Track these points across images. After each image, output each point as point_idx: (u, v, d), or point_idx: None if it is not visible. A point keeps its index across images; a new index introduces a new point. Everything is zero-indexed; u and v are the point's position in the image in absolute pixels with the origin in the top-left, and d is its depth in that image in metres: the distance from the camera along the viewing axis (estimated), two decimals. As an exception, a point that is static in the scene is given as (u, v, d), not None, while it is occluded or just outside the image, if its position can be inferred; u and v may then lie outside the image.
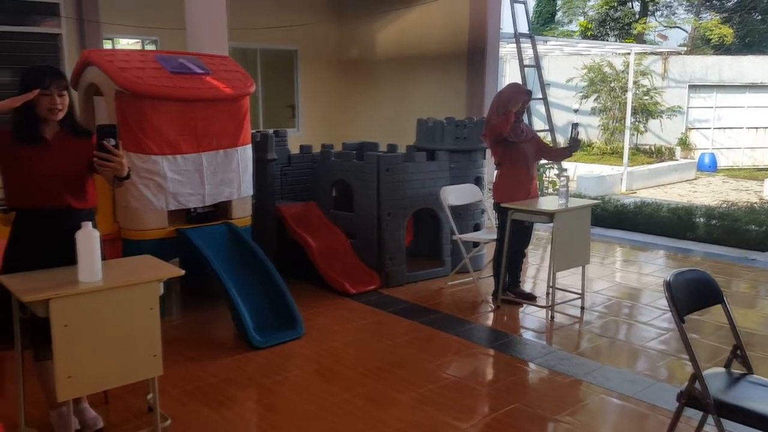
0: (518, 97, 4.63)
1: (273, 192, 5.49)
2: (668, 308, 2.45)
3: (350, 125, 9.36)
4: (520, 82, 7.31)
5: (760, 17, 21.59)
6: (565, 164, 9.53)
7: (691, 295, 2.52)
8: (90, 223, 2.64)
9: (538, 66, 9.58)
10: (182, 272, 2.88)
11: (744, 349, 2.60)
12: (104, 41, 7.72)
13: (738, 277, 5.81)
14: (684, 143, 16.23)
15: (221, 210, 4.76)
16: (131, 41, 8.50)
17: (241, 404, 3.40)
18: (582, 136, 4.50)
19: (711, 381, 2.44)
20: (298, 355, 3.99)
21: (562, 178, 4.81)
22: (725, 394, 2.41)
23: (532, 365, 3.90)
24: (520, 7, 9.16)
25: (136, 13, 7.60)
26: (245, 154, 4.78)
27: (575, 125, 4.67)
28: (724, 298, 2.63)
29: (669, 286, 2.42)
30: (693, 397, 2.39)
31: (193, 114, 4.45)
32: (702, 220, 7.20)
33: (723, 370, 2.64)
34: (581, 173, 13.48)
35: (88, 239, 2.61)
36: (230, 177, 4.68)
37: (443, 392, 3.50)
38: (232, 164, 4.67)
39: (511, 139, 4.68)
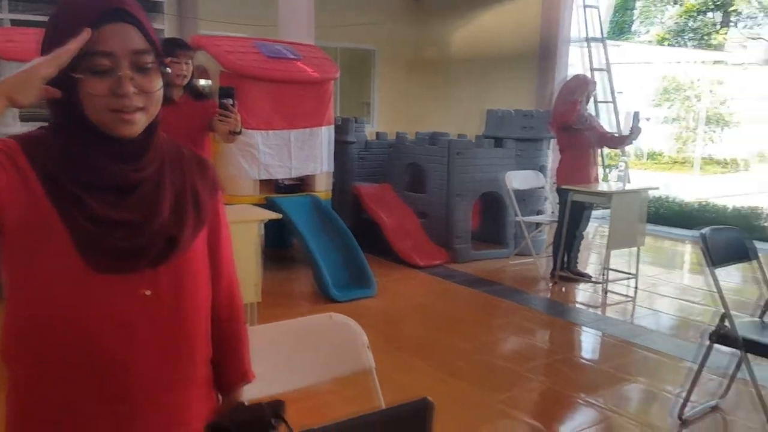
0: (584, 86, 4.97)
1: (351, 172, 6.02)
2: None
3: (422, 121, 9.82)
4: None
5: None
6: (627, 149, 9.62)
7: (725, 248, 2.83)
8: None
9: (608, 69, 9.78)
10: (279, 216, 3.39)
11: (776, 300, 2.88)
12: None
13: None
14: (761, 156, 15.87)
15: (306, 184, 5.32)
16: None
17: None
18: (641, 125, 4.74)
19: (743, 327, 2.74)
20: (371, 308, 4.46)
21: (620, 164, 5.10)
22: (754, 335, 2.71)
23: (585, 328, 4.24)
24: (593, 12, 9.41)
25: (231, 11, 8.32)
26: (328, 133, 5.33)
27: (636, 113, 4.97)
28: (758, 255, 2.92)
29: (704, 238, 2.75)
30: (723, 335, 2.70)
31: (284, 94, 5.02)
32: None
33: (757, 319, 2.93)
34: (650, 181, 13.42)
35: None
36: (314, 153, 5.23)
37: (501, 343, 3.90)
38: (316, 141, 5.22)
39: (576, 126, 5.01)
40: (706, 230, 2.77)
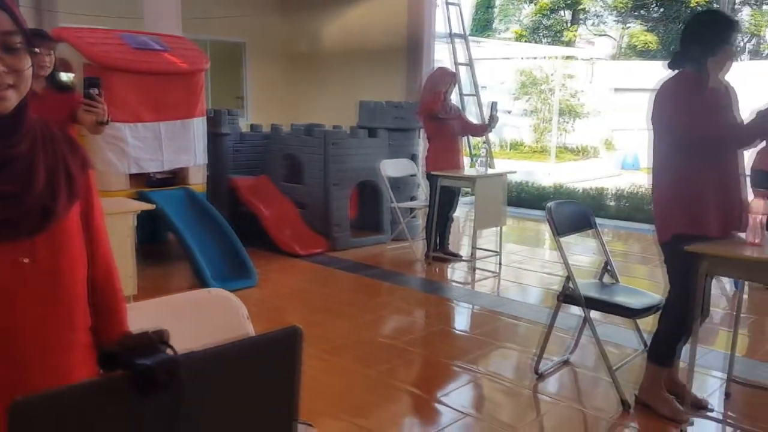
0: (446, 78, 5.31)
1: (227, 164, 5.99)
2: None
3: (298, 114, 9.87)
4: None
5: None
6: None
7: (569, 220, 3.20)
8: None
9: (471, 64, 10.35)
10: (152, 206, 3.37)
11: (612, 264, 3.30)
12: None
13: (637, 241, 6.66)
14: (608, 143, 17.45)
15: (179, 177, 5.24)
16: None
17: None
18: (499, 115, 5.14)
19: (585, 287, 3.12)
20: (252, 297, 4.51)
21: (482, 150, 5.50)
22: (594, 293, 3.09)
23: (457, 302, 4.56)
24: (456, 10, 9.92)
25: (93, 3, 7.91)
26: (201, 125, 5.28)
27: (494, 104, 5.38)
28: (596, 224, 3.32)
29: (550, 210, 3.09)
30: (568, 295, 3.06)
31: (153, 86, 4.92)
32: (612, 202, 8.08)
33: (597, 281, 3.33)
34: (513, 168, 14.36)
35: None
36: (187, 145, 5.16)
37: (380, 321, 4.10)
38: (188, 133, 5.16)
39: (441, 115, 5.33)
40: (551, 204, 3.12)
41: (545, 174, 14.20)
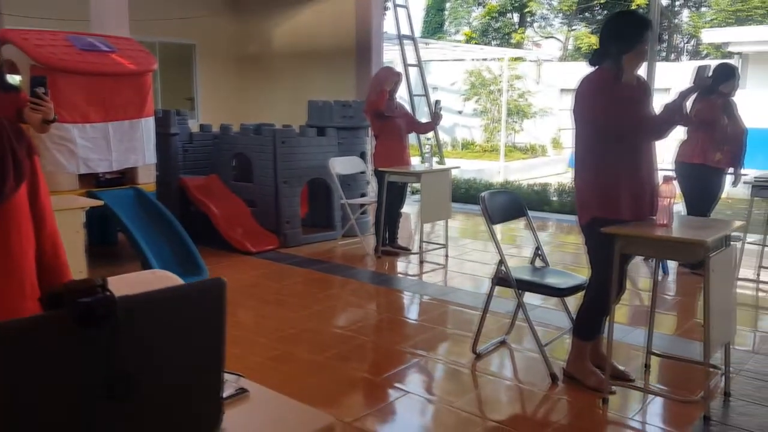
0: (391, 77, 5.50)
1: (176, 164, 6.04)
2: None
3: (248, 114, 9.93)
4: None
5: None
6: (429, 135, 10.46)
7: (502, 209, 3.41)
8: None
9: (420, 65, 10.60)
10: (101, 203, 3.45)
11: (542, 249, 3.53)
12: (1, 29, 7.88)
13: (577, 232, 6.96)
14: (556, 142, 17.96)
15: (128, 176, 5.29)
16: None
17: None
18: (443, 112, 5.38)
19: (517, 271, 3.33)
20: (203, 293, 4.59)
21: (426, 147, 5.72)
22: (526, 276, 3.31)
23: (405, 293, 4.75)
24: (404, 12, 10.15)
25: (38, 4, 7.82)
26: (148, 125, 5.33)
27: (437, 102, 5.59)
28: (528, 212, 3.54)
29: (483, 200, 3.29)
30: (501, 278, 3.27)
31: (100, 87, 4.96)
32: (556, 197, 8.40)
33: (529, 265, 3.55)
34: (464, 167, 14.70)
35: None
36: (135, 145, 5.22)
37: (330, 312, 4.26)
38: (137, 134, 5.21)
39: (387, 113, 5.51)
40: (485, 194, 3.32)
41: (496, 172, 14.59)
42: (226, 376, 1.20)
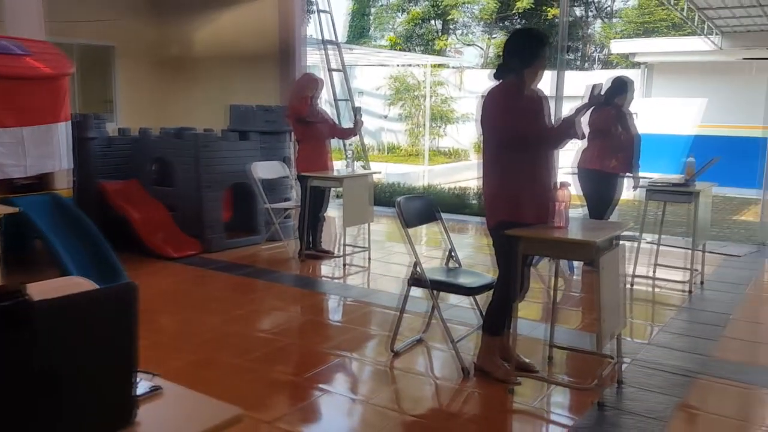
0: (312, 83, 5.62)
1: (95, 169, 5.92)
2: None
3: (169, 118, 9.76)
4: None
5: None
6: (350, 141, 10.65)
7: (417, 213, 3.59)
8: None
9: (344, 70, 10.73)
10: (16, 210, 3.39)
11: (455, 250, 3.73)
12: None
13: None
14: (477, 146, 18.56)
15: (44, 182, 5.16)
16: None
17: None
18: (365, 117, 5.56)
19: (431, 272, 3.52)
20: (122, 299, 4.55)
21: (347, 153, 5.86)
22: (439, 276, 3.49)
23: (329, 295, 4.88)
24: (328, 17, 10.25)
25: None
26: (66, 129, 5.22)
27: (358, 108, 5.75)
28: (441, 216, 3.74)
29: (399, 204, 3.45)
30: (416, 279, 3.44)
31: (14, 91, 4.83)
32: (475, 201, 8.74)
33: (444, 266, 3.75)
34: (390, 171, 14.96)
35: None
36: (52, 150, 5.09)
37: (252, 315, 4.31)
38: (53, 138, 5.09)
39: (309, 119, 5.61)
40: (400, 198, 3.48)
41: (421, 176, 14.91)
42: (142, 375, 1.28)
